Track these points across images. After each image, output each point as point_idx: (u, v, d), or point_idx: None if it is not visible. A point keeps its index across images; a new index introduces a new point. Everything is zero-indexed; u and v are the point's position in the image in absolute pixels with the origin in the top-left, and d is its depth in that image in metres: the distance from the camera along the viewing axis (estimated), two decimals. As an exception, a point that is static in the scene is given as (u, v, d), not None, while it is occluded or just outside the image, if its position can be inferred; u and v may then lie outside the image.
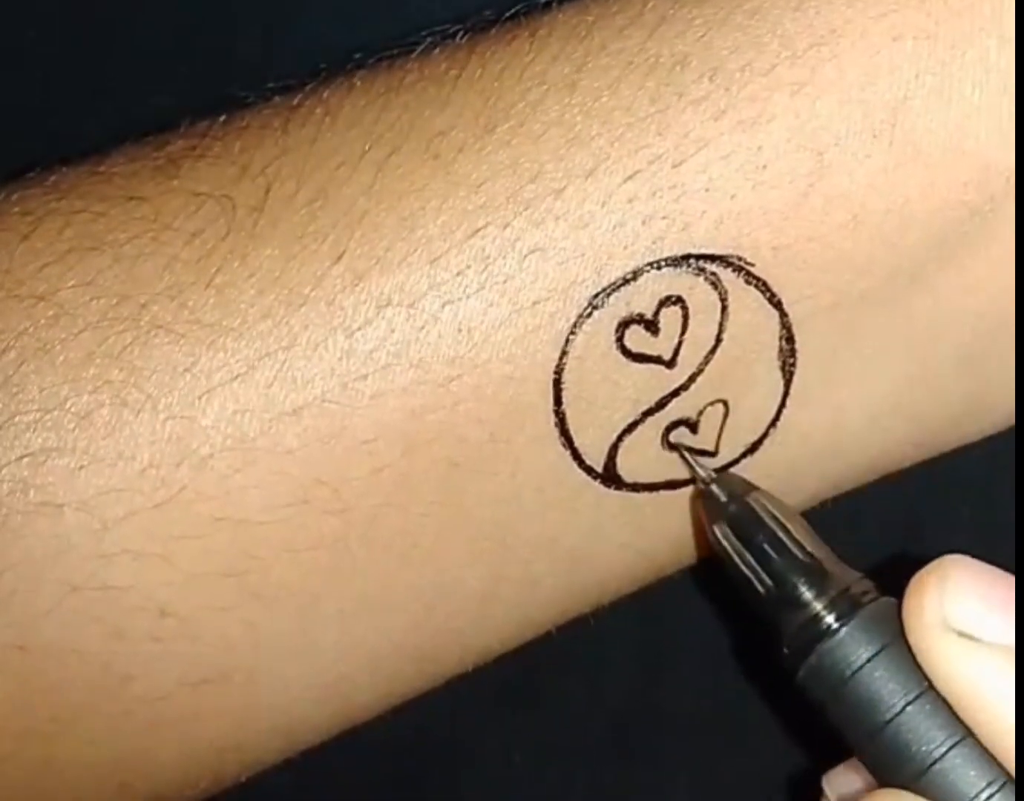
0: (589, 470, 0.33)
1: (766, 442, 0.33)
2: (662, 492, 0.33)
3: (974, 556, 0.30)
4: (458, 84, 0.32)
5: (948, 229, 0.32)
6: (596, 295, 0.31)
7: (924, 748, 0.30)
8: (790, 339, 0.32)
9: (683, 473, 0.33)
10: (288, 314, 0.31)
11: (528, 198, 0.31)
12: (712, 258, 0.32)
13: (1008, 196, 0.32)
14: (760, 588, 0.32)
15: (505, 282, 0.31)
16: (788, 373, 0.33)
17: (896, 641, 0.30)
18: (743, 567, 0.32)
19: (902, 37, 0.31)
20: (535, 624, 0.35)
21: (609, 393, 0.32)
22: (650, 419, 0.33)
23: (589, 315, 0.31)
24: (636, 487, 0.33)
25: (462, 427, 0.32)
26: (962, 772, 0.30)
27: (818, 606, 0.31)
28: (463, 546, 0.33)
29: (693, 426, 0.33)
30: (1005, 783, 0.29)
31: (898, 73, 0.31)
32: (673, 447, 0.33)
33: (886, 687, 0.30)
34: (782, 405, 0.33)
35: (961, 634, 0.29)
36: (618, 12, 0.32)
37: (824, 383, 0.33)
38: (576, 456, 0.32)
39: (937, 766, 0.30)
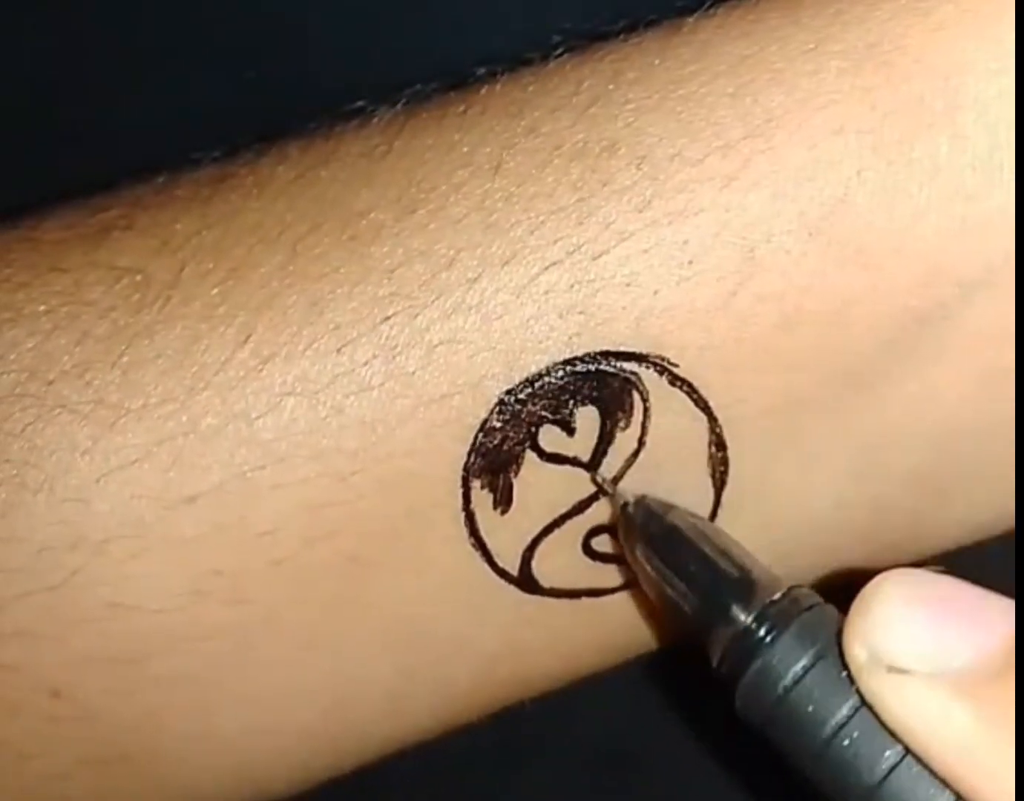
0: (503, 574, 0.31)
1: None
2: (584, 599, 0.31)
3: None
4: (384, 161, 0.31)
5: (893, 336, 0.29)
6: (508, 391, 0.30)
7: (871, 765, 0.27)
8: (721, 445, 0.30)
9: (607, 580, 0.31)
10: (189, 398, 0.30)
11: (440, 287, 0.30)
12: (632, 356, 0.30)
13: (965, 304, 0.29)
14: (687, 609, 0.29)
15: (413, 374, 0.30)
16: (719, 482, 0.31)
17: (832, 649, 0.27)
18: (668, 588, 0.29)
19: (843, 130, 0.29)
20: (453, 718, 0.33)
21: (522, 494, 0.30)
22: (569, 523, 0.31)
23: (500, 412, 0.30)
24: (555, 593, 0.31)
25: (365, 522, 0.30)
26: (912, 788, 0.27)
27: (747, 619, 0.28)
28: (371, 641, 0.31)
29: (617, 533, 0.31)
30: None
31: (838, 169, 0.29)
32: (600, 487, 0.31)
33: (823, 702, 0.27)
34: (713, 516, 0.31)
35: (891, 669, 0.26)
36: (554, 88, 0.31)
37: (759, 494, 0.31)
38: (488, 559, 0.31)
39: (886, 781, 0.27)
